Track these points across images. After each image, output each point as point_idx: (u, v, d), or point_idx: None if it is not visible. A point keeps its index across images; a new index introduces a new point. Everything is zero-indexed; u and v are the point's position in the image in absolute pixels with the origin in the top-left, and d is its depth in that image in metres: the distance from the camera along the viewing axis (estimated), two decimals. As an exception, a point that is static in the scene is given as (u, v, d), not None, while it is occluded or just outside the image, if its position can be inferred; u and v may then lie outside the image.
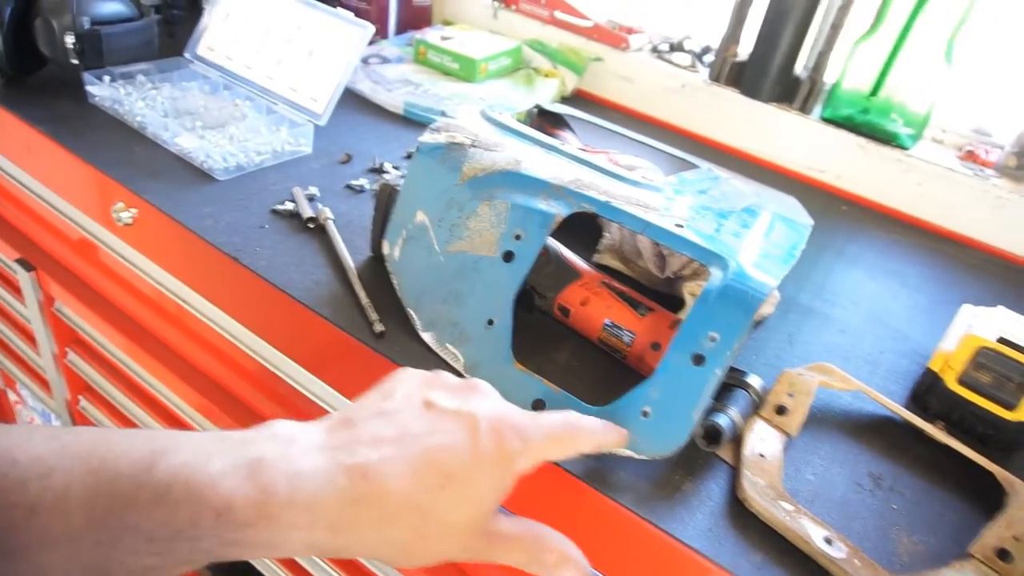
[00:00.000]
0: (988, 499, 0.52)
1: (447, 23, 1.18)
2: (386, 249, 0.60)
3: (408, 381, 0.42)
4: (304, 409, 0.65)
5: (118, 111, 0.80)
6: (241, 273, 0.63)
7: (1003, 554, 0.47)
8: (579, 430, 0.43)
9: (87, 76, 0.81)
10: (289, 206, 0.70)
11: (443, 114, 0.93)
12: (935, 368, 0.60)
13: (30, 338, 1.07)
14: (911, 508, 0.52)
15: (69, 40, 0.79)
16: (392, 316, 0.59)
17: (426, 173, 0.60)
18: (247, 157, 0.76)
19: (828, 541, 0.46)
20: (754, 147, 1.01)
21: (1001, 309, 0.63)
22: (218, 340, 0.70)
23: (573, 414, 0.44)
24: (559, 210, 0.55)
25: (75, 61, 0.81)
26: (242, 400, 0.75)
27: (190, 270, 0.69)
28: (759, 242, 0.55)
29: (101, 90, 0.81)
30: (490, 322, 0.56)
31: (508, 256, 0.56)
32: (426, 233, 0.59)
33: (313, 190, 0.73)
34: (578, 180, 0.57)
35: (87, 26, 0.80)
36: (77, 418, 1.06)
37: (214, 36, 0.90)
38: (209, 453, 0.34)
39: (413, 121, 0.95)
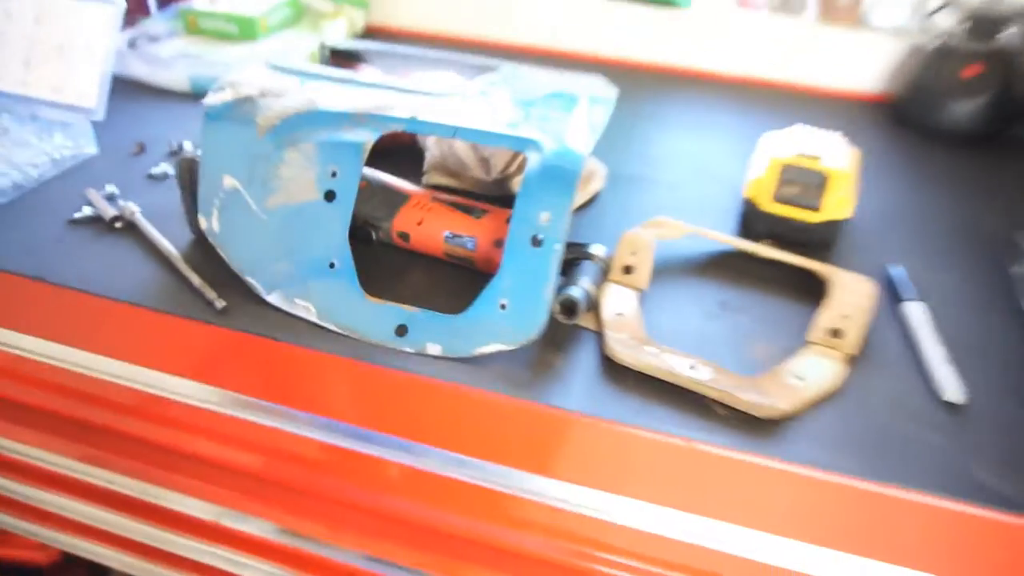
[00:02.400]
0: (817, 293, 0.58)
1: (211, -14, 1.10)
2: (204, 224, 0.57)
3: None
4: (173, 415, 0.61)
5: None
6: (51, 292, 0.57)
7: (835, 332, 0.53)
8: None
9: None
10: (88, 211, 0.64)
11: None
12: (750, 196, 0.65)
13: None
14: (757, 320, 0.57)
15: None
16: (232, 289, 0.56)
17: (222, 136, 0.56)
18: (22, 173, 0.68)
19: (692, 368, 0.50)
20: (547, 39, 1.03)
21: (798, 126, 0.69)
22: (52, 374, 0.64)
23: None
24: (367, 136, 0.54)
25: None
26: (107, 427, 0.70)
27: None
28: (570, 121, 0.56)
29: None
30: (331, 265, 0.54)
31: (329, 195, 0.54)
32: (239, 196, 0.56)
33: (111, 188, 0.68)
34: (379, 105, 0.55)
35: None
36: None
37: (-58, 52, 0.79)
38: None
39: (199, 95, 0.88)
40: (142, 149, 0.76)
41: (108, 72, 0.74)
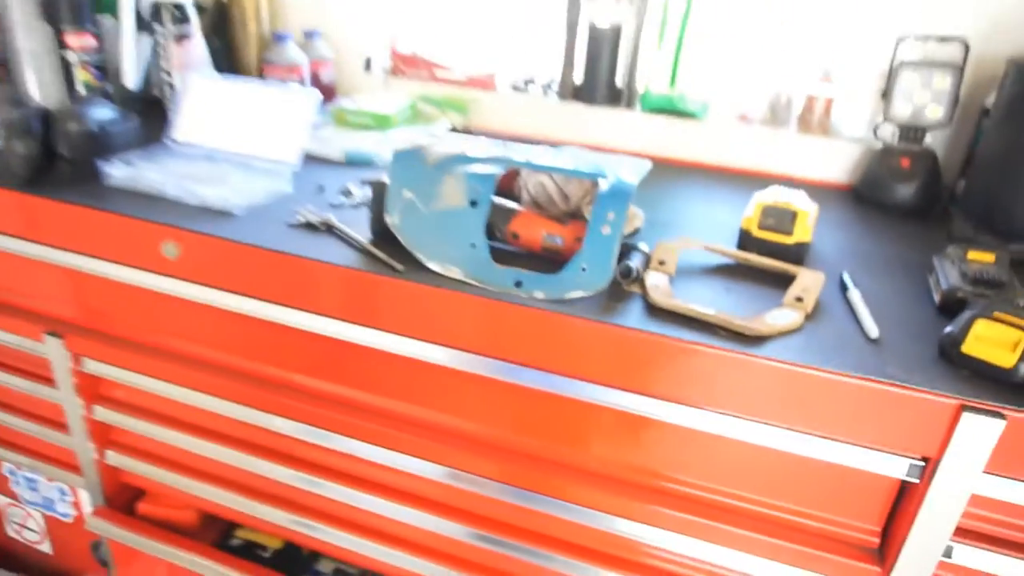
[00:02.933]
0: (787, 285, 0.87)
1: (348, 95, 1.49)
2: (388, 220, 0.89)
3: None
4: (374, 365, 0.90)
5: (133, 185, 1.03)
6: (288, 261, 0.88)
7: (798, 299, 0.82)
8: None
9: (101, 164, 1.04)
10: (301, 219, 0.96)
11: (377, 154, 1.23)
12: (744, 226, 0.96)
13: (44, 419, 1.21)
14: (748, 298, 0.86)
15: (85, 140, 1.02)
16: (404, 261, 0.86)
17: (404, 166, 0.89)
18: (252, 198, 1.01)
19: (705, 309, 0.79)
20: (599, 140, 1.39)
21: (773, 187, 1.01)
22: (270, 332, 0.94)
23: None
24: (498, 170, 0.87)
25: (91, 155, 1.03)
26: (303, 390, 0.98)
27: (240, 277, 0.93)
28: (622, 170, 0.88)
29: (117, 171, 1.03)
30: (473, 245, 0.85)
31: (474, 203, 0.86)
32: (414, 203, 0.88)
33: (310, 208, 1.00)
34: (502, 154, 0.89)
35: (96, 128, 1.04)
36: (105, 474, 1.21)
37: (186, 122, 1.15)
38: None
39: (352, 163, 1.23)
40: (322, 190, 1.09)
41: (305, 139, 1.10)
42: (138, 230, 0.95)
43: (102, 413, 1.15)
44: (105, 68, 1.29)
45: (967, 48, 1.13)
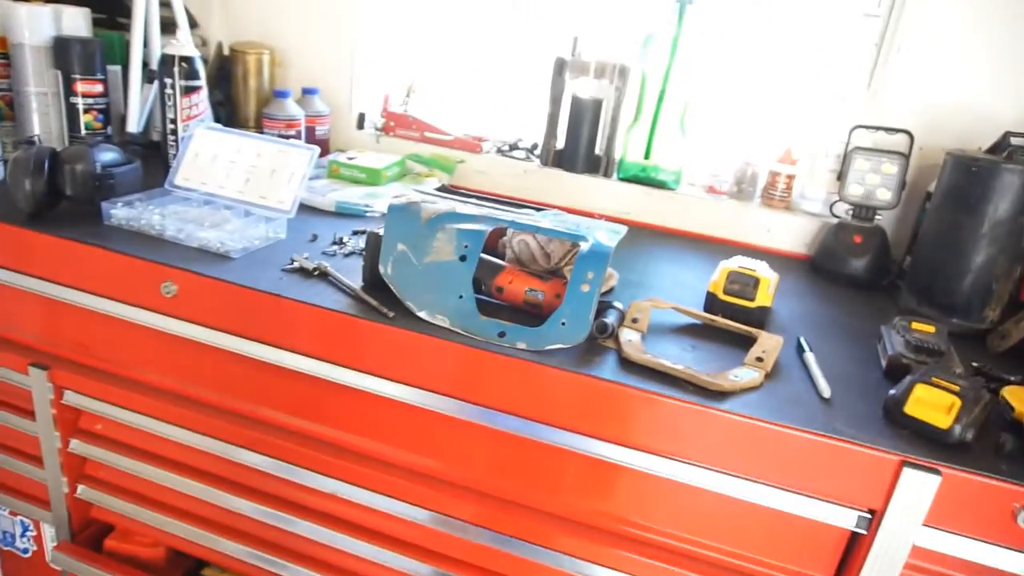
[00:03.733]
0: (748, 345, 0.94)
1: (341, 149, 1.56)
2: (382, 269, 0.94)
3: None
4: (360, 406, 0.94)
5: (135, 226, 1.07)
6: (281, 304, 0.93)
7: (759, 359, 0.89)
8: None
9: (104, 205, 1.08)
10: (294, 265, 1.01)
11: (367, 207, 1.29)
12: (711, 290, 1.04)
13: (17, 451, 1.22)
14: (712, 355, 0.93)
15: (90, 180, 1.07)
16: (393, 309, 0.92)
17: (398, 221, 0.95)
18: (248, 242, 1.06)
19: (674, 364, 0.85)
20: (579, 204, 1.47)
21: (738, 256, 1.10)
22: (259, 372, 0.98)
23: None
24: (486, 227, 0.93)
25: (95, 195, 1.08)
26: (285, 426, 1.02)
27: (234, 318, 0.97)
28: (600, 234, 0.96)
29: (119, 211, 1.08)
30: (460, 296, 0.91)
31: (463, 258, 0.92)
32: (406, 255, 0.94)
33: (304, 255, 1.05)
34: (491, 214, 0.96)
35: (100, 170, 1.09)
36: (73, 509, 1.21)
37: (187, 169, 1.20)
38: None
39: (342, 213, 1.29)
40: (315, 238, 1.15)
41: (301, 190, 1.16)
42: (139, 269, 0.99)
43: (78, 446, 1.16)
44: (108, 112, 1.35)
45: (912, 139, 1.25)
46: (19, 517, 1.34)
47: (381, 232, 0.96)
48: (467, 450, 0.94)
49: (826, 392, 0.85)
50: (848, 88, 1.34)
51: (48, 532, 1.31)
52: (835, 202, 1.33)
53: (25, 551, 1.38)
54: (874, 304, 1.21)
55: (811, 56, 1.42)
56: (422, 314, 0.92)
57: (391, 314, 0.91)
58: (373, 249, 0.97)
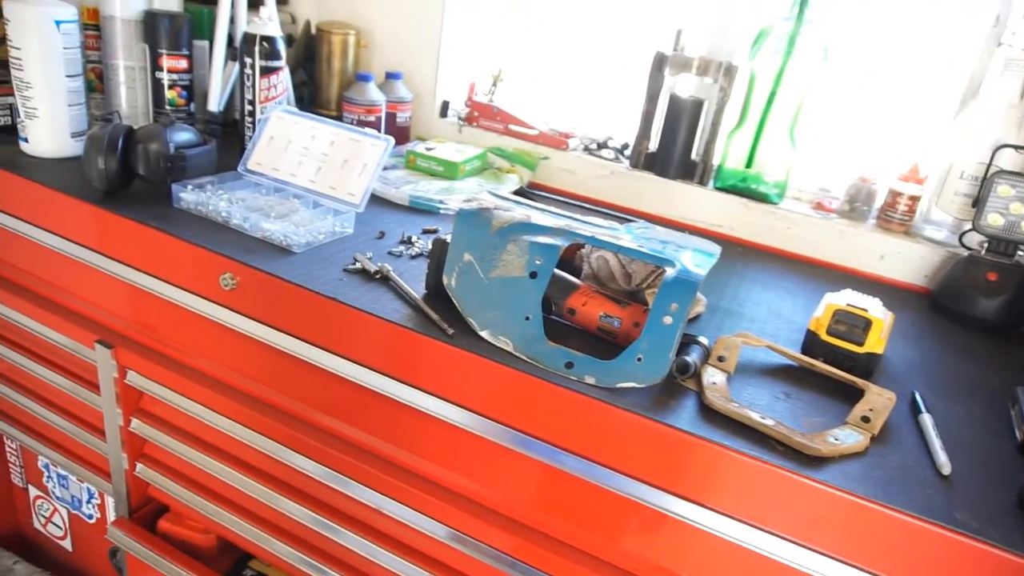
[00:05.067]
0: (853, 399, 0.82)
1: (421, 139, 1.50)
2: (445, 280, 0.87)
3: None
4: (411, 422, 0.88)
5: (202, 211, 1.04)
6: (338, 309, 0.87)
7: (865, 419, 0.77)
8: None
9: (175, 187, 1.06)
10: (358, 266, 0.96)
11: (441, 203, 1.23)
12: (812, 328, 0.91)
13: (84, 422, 1.23)
14: (809, 406, 0.81)
15: (162, 161, 1.04)
16: (454, 324, 0.85)
17: (467, 228, 0.88)
18: (312, 236, 1.02)
19: (763, 418, 0.74)
20: (668, 212, 1.36)
21: (847, 291, 0.96)
22: (311, 374, 0.93)
23: None
24: (562, 242, 0.84)
25: (166, 176, 1.05)
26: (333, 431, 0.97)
27: (290, 317, 0.92)
28: (689, 256, 0.85)
29: (188, 195, 1.05)
30: (527, 318, 0.83)
31: (533, 275, 0.84)
32: (472, 267, 0.86)
33: (368, 255, 1.00)
34: (569, 226, 0.86)
35: (173, 151, 1.06)
36: (132, 485, 1.21)
37: (261, 154, 1.17)
38: None
39: (415, 209, 1.23)
40: (383, 235, 1.09)
41: (372, 184, 1.10)
42: (200, 258, 0.96)
43: (138, 426, 1.16)
44: (192, 89, 1.33)
45: (1071, 165, 1.07)
46: (85, 484, 1.37)
47: (448, 239, 0.89)
48: (518, 481, 0.86)
49: (946, 468, 0.72)
50: (995, 100, 1.16)
51: (110, 502, 1.33)
52: (967, 231, 1.16)
53: (91, 517, 1.41)
54: (1008, 356, 1.04)
55: (952, 62, 1.24)
56: (484, 334, 0.84)
57: (451, 331, 0.83)
58: (438, 257, 0.89)
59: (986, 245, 1.13)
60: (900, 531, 0.66)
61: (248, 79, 1.20)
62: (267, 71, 1.20)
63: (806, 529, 0.71)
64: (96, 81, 1.33)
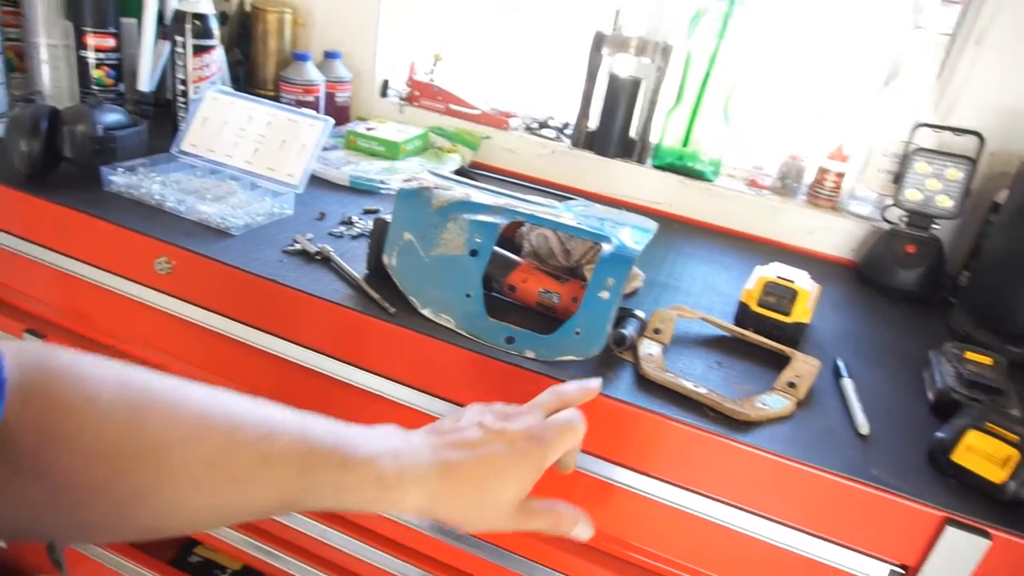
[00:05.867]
0: (782, 366, 0.86)
1: (361, 119, 1.48)
2: (386, 260, 0.87)
3: (472, 411, 0.64)
4: (355, 402, 0.88)
5: (134, 194, 1.02)
6: (278, 291, 0.87)
7: (791, 384, 0.81)
8: (573, 423, 0.63)
9: (104, 170, 1.02)
10: (297, 247, 0.95)
11: (381, 183, 1.22)
12: (744, 300, 0.95)
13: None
14: (740, 375, 0.85)
15: (90, 143, 1.01)
16: (396, 304, 0.85)
17: (407, 207, 0.88)
18: (250, 218, 1.00)
19: (696, 386, 0.77)
20: (608, 191, 1.38)
21: (777, 264, 1.00)
22: (251, 356, 0.92)
23: (570, 411, 0.64)
24: (502, 220, 0.86)
25: (95, 159, 1.02)
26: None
27: (229, 300, 0.91)
28: (628, 233, 0.87)
29: (119, 178, 1.02)
30: (468, 295, 0.84)
31: (474, 252, 0.85)
32: (412, 246, 0.87)
33: (308, 236, 0.99)
34: (509, 204, 0.88)
35: (101, 132, 1.03)
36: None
37: (195, 135, 1.14)
38: (368, 439, 0.56)
39: (356, 189, 1.23)
40: (323, 216, 1.08)
41: (311, 165, 1.09)
42: (133, 242, 0.94)
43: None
44: (120, 68, 1.29)
45: (982, 142, 1.13)
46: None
47: (388, 218, 0.89)
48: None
49: (864, 429, 0.77)
50: (913, 82, 1.21)
51: (47, 496, 1.30)
52: (888, 206, 1.22)
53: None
54: (924, 322, 1.11)
55: (874, 45, 1.30)
56: (426, 312, 0.85)
57: (392, 310, 0.84)
58: (379, 236, 0.90)
59: (905, 219, 1.19)
60: (824, 488, 0.70)
61: (180, 58, 1.17)
62: (200, 50, 1.17)
63: (740, 491, 0.74)
64: (16, 60, 1.27)
